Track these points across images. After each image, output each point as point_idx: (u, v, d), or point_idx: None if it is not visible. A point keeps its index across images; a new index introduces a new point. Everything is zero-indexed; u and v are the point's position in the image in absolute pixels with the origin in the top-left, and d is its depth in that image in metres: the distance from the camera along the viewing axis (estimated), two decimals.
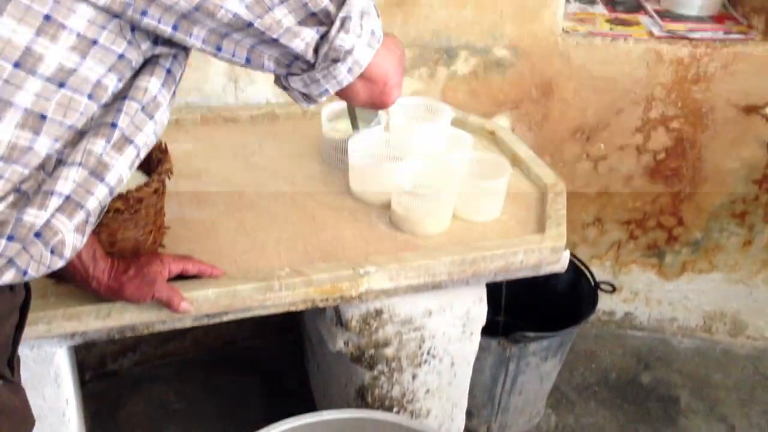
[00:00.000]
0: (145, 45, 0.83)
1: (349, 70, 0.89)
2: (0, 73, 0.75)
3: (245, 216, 1.40)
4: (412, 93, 1.89)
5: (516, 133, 1.97)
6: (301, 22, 0.84)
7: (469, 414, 1.74)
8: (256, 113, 1.76)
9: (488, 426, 1.97)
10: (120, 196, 1.12)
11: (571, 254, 1.51)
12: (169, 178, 1.21)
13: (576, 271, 1.99)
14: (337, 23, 0.85)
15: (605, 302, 2.32)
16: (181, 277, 1.18)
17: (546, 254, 1.39)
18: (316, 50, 0.86)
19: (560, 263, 1.44)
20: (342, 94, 0.95)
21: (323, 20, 0.85)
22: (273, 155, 1.61)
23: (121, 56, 0.82)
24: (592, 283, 1.94)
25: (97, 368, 2.04)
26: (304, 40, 0.84)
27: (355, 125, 1.42)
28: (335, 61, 0.87)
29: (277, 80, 0.94)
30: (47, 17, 0.75)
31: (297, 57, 0.86)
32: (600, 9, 2.10)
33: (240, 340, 2.22)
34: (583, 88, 1.97)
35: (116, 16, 0.78)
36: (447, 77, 1.90)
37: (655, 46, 1.95)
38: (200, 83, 1.77)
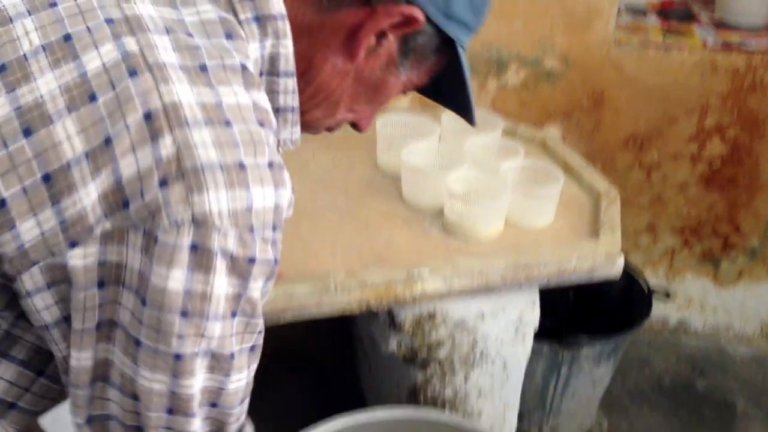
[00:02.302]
0: None
1: None
2: None
3: (300, 224, 1.46)
4: None
5: (567, 142, 1.99)
6: None
7: (520, 417, 1.76)
8: None
9: (539, 429, 1.99)
10: None
11: (625, 261, 1.52)
12: None
13: (629, 277, 2.00)
14: None
15: (659, 309, 2.31)
16: None
17: (600, 260, 1.41)
18: None
19: (615, 269, 1.45)
20: None
21: None
22: (326, 165, 1.67)
23: None
24: (646, 290, 1.94)
25: None
26: None
27: None
28: None
29: None
30: None
31: None
32: (652, 19, 2.11)
33: (291, 342, 2.28)
34: (636, 98, 1.98)
35: None
36: (497, 88, 1.94)
37: (710, 56, 1.95)
38: None
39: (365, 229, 1.45)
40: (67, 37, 0.65)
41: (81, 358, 0.66)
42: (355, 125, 0.92)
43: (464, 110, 0.92)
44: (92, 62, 0.63)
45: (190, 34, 0.67)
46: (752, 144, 2.05)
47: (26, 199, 0.61)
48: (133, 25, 0.66)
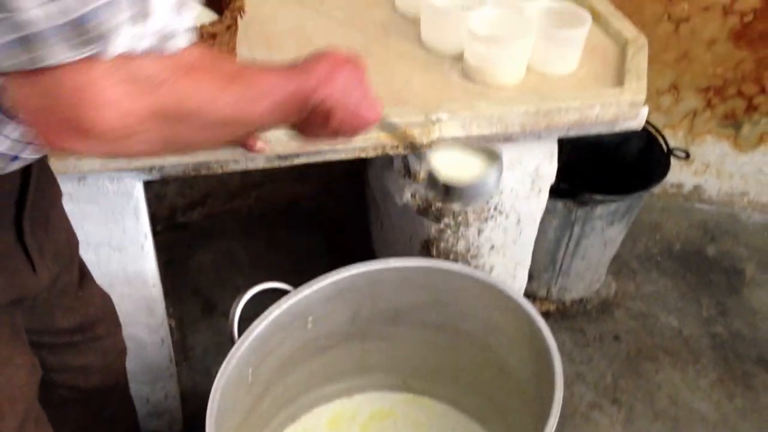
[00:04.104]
0: None
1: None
2: None
3: None
4: None
5: None
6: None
7: (530, 277, 1.75)
8: None
9: (548, 289, 1.98)
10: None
11: (646, 120, 1.46)
12: (241, 16, 1.19)
13: (648, 137, 1.94)
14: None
15: (674, 174, 2.27)
16: None
17: (624, 108, 1.35)
18: None
19: (638, 120, 1.39)
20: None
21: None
22: (343, 4, 1.57)
23: None
24: (665, 150, 1.88)
25: (168, 220, 2.11)
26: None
27: None
28: None
29: None
30: None
31: None
32: None
33: (303, 199, 2.25)
34: None
35: None
36: None
37: None
38: None
39: (383, 71, 1.37)
40: None
41: None
42: None
43: None
44: None
45: None
46: None
47: None
48: None
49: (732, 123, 2.18)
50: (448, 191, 1.01)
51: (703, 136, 2.21)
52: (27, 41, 0.51)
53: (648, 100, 1.37)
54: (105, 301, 1.19)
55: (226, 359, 1.15)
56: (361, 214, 2.10)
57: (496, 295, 1.30)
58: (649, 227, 2.26)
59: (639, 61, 1.42)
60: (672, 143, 2.13)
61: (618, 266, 2.12)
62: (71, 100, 0.55)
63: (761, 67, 2.04)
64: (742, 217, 2.32)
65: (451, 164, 1.02)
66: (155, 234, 2.00)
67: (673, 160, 1.87)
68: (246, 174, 2.11)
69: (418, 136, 1.27)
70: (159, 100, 0.58)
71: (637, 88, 1.35)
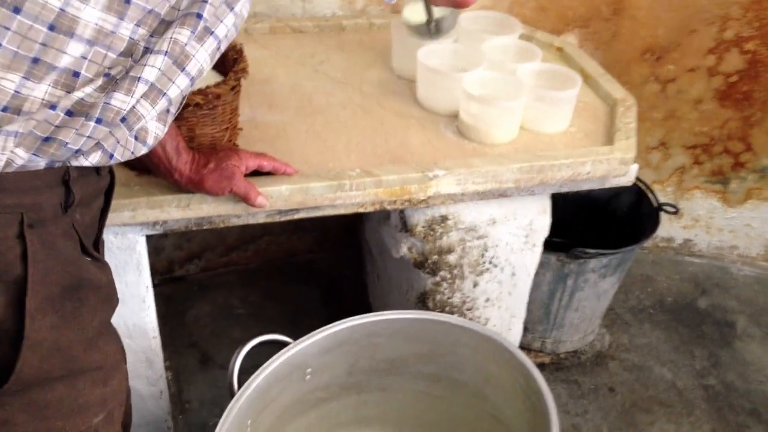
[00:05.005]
0: None
1: None
2: None
3: (315, 120, 1.43)
4: (479, 9, 1.86)
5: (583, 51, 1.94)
6: None
7: (525, 329, 1.78)
8: (324, 24, 1.77)
9: (543, 341, 2.00)
10: (199, 91, 1.16)
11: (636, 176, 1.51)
12: (245, 77, 1.23)
13: (638, 193, 1.98)
14: None
15: (664, 228, 2.31)
16: (256, 173, 1.22)
17: (614, 165, 1.39)
18: None
19: (628, 176, 1.44)
20: None
21: None
22: (341, 65, 1.63)
23: None
24: (655, 205, 1.93)
25: (165, 273, 2.13)
26: None
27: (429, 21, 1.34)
28: None
29: None
30: None
31: None
32: None
33: (300, 252, 2.28)
34: (657, 6, 1.92)
35: None
36: None
37: None
38: None
39: (380, 129, 1.42)
40: None
41: None
42: None
43: None
44: None
45: None
46: None
47: None
48: None
49: (720, 179, 2.23)
50: (438, 25, 1.32)
51: (692, 192, 2.26)
52: None
53: (637, 157, 1.42)
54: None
55: (226, 411, 1.16)
56: (357, 267, 2.13)
57: (491, 346, 1.32)
58: (641, 280, 2.29)
59: (628, 120, 1.47)
60: (661, 198, 2.18)
61: (611, 318, 2.15)
62: None
63: (747, 125, 2.10)
64: (732, 270, 2.36)
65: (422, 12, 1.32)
66: (153, 287, 2.02)
67: (662, 215, 1.91)
68: (244, 227, 2.15)
69: (415, 192, 1.31)
70: None
71: (626, 146, 1.40)
